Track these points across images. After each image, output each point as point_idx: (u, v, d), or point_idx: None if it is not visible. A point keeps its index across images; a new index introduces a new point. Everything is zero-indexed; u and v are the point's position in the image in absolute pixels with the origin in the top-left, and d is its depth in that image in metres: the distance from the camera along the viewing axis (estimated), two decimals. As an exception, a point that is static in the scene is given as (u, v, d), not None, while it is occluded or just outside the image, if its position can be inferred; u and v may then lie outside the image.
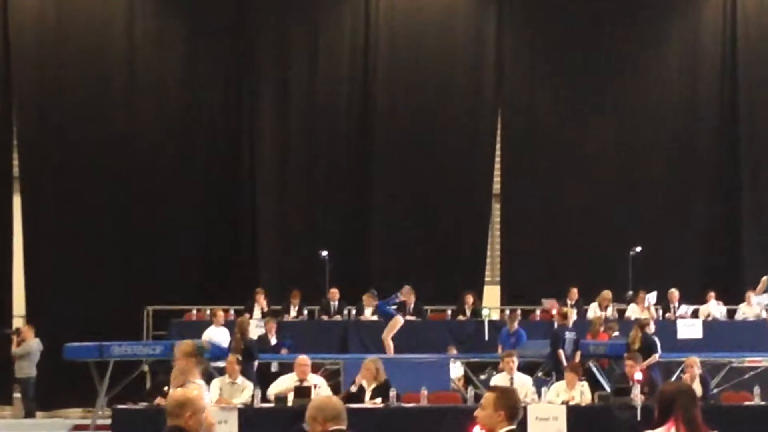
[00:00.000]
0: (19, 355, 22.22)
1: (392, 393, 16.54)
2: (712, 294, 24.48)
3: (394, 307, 22.17)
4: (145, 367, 20.41)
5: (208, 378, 17.94)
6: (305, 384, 16.53)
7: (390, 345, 21.53)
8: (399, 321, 21.73)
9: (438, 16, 27.02)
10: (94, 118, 25.60)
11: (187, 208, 26.00)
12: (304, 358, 17.17)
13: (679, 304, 24.08)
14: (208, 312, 23.23)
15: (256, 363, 19.40)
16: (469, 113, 27.08)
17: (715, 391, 19.06)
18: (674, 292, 24.16)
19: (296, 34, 26.68)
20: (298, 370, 16.99)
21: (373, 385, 16.59)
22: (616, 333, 21.87)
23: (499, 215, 27.40)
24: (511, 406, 6.57)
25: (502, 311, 25.23)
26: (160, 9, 26.38)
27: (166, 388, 16.96)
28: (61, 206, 25.38)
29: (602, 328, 21.97)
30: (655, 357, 19.65)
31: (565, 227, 26.95)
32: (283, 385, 16.96)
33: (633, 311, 23.70)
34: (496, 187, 27.25)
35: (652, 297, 23.96)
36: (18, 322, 24.52)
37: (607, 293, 23.92)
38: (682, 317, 23.83)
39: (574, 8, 27.13)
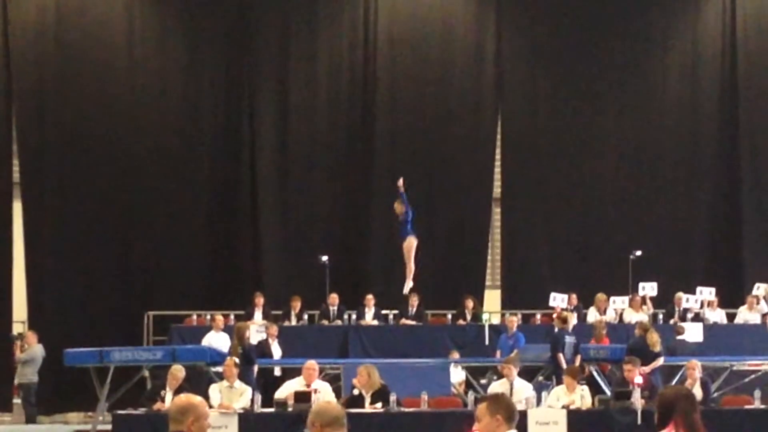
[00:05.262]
0: (24, 360, 22.22)
1: (392, 398, 16.53)
2: (715, 300, 24.37)
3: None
4: (146, 373, 20.39)
5: (206, 383, 18.03)
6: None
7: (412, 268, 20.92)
8: (413, 241, 20.98)
9: (437, 20, 27.00)
10: (94, 123, 25.60)
11: (187, 214, 25.98)
12: (312, 363, 17.17)
13: (684, 308, 23.96)
14: (209, 317, 23.24)
15: (255, 368, 19.37)
16: (469, 117, 27.06)
17: (715, 394, 19.04)
18: (681, 296, 23.99)
19: (296, 41, 26.66)
20: (306, 374, 16.99)
21: (371, 391, 16.58)
22: None
23: (499, 219, 27.39)
24: (505, 408, 6.56)
25: (503, 315, 25.16)
26: (160, 12, 26.38)
27: (162, 393, 17.03)
28: (62, 212, 25.36)
29: (604, 332, 21.88)
30: (660, 361, 19.62)
31: (566, 231, 26.93)
32: (290, 389, 16.94)
33: (629, 315, 23.65)
34: (497, 191, 27.24)
35: (650, 288, 23.86)
36: (18, 328, 24.54)
37: (601, 296, 23.91)
38: (691, 311, 23.73)
39: (573, 11, 27.13)
